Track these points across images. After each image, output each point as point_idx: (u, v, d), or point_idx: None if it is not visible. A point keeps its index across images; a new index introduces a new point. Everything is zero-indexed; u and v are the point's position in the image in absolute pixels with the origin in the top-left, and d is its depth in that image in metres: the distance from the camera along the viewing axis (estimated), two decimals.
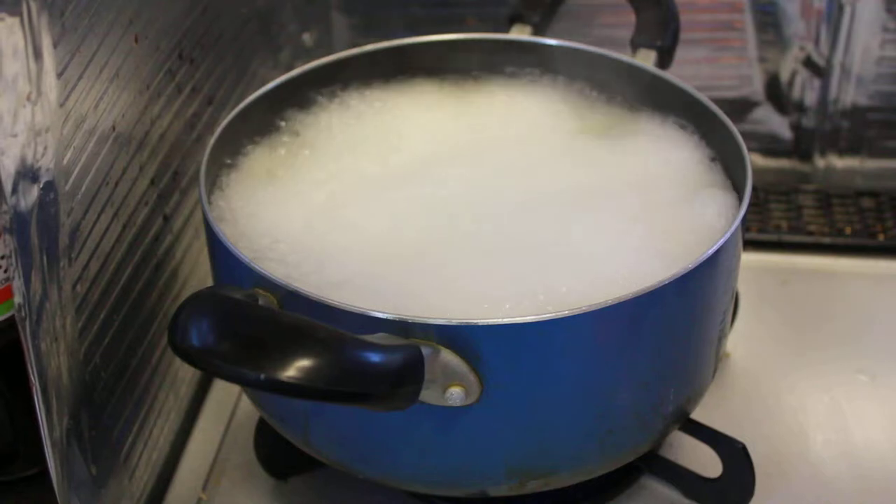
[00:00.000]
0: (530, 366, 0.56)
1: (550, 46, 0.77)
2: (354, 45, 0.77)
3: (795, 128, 0.95)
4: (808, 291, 0.86)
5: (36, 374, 0.54)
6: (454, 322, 0.54)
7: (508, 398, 0.57)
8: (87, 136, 0.58)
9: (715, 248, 0.58)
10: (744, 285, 0.72)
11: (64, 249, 0.56)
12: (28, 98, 0.51)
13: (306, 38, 0.97)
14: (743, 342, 0.79)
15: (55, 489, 0.57)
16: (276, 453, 0.71)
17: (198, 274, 0.76)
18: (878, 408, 0.76)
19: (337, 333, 0.51)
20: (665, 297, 0.57)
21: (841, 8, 0.89)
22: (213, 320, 0.49)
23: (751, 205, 0.62)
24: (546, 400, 0.58)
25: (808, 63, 0.91)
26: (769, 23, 0.91)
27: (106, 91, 0.60)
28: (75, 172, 0.57)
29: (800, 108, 0.94)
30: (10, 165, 0.50)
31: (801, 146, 0.95)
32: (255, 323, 0.50)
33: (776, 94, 0.94)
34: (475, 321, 0.54)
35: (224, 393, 0.78)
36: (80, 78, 0.57)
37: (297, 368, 0.48)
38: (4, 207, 0.50)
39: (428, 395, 0.54)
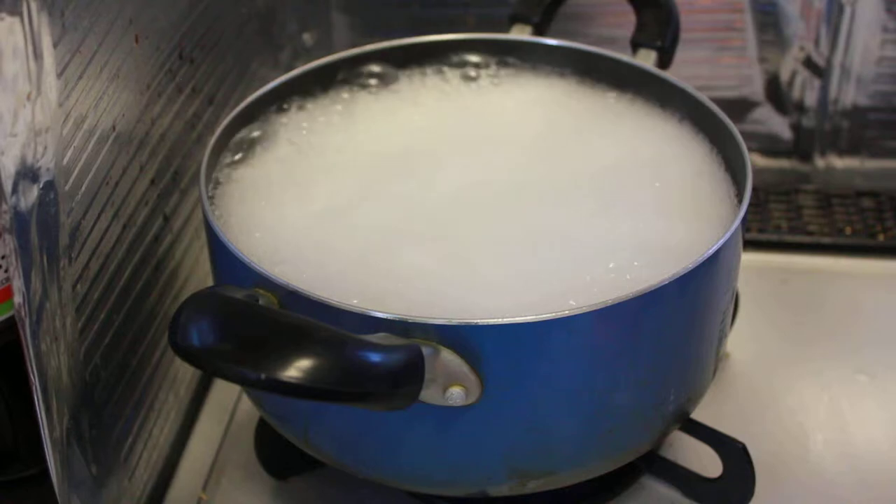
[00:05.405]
0: (530, 366, 0.56)
1: (550, 46, 0.77)
2: (354, 45, 0.77)
3: (795, 128, 0.95)
4: (809, 291, 0.86)
5: (36, 374, 0.54)
6: (454, 322, 0.54)
7: (508, 398, 0.57)
8: (87, 136, 0.58)
9: (715, 247, 0.58)
10: (744, 285, 0.72)
11: (64, 249, 0.56)
12: (28, 98, 0.51)
13: (306, 38, 0.97)
14: (743, 342, 0.79)
15: (55, 489, 0.57)
16: (276, 453, 0.71)
17: (198, 274, 0.76)
18: (878, 408, 0.76)
19: (337, 333, 0.50)
20: (665, 297, 0.57)
21: (841, 8, 0.89)
22: (214, 320, 0.49)
23: (751, 205, 0.62)
24: (546, 400, 0.58)
25: (808, 63, 0.92)
26: (769, 23, 0.91)
27: (106, 91, 0.60)
28: (75, 172, 0.57)
29: (800, 108, 0.94)
30: (10, 165, 0.50)
31: (801, 146, 0.95)
32: (256, 323, 0.50)
33: (776, 94, 0.94)
34: (476, 321, 0.54)
35: (224, 393, 0.78)
36: (80, 78, 0.57)
37: (297, 368, 0.48)
38: (4, 207, 0.50)
39: (428, 394, 0.54)
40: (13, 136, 0.50)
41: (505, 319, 0.54)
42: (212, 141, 0.67)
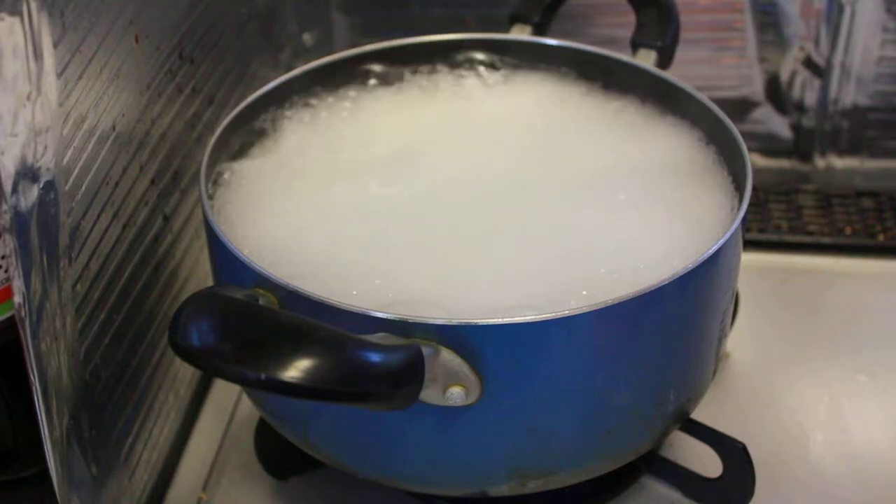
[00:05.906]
0: (530, 366, 0.56)
1: (550, 46, 0.77)
2: (354, 45, 0.77)
3: (795, 128, 0.95)
4: (809, 291, 0.86)
5: (36, 374, 0.54)
6: (455, 322, 0.54)
7: (508, 398, 0.57)
8: (87, 136, 0.58)
9: (715, 247, 0.58)
10: (744, 285, 0.72)
11: (64, 249, 0.56)
12: (28, 98, 0.51)
13: (306, 38, 0.97)
14: (743, 342, 0.79)
15: (55, 489, 0.57)
16: (276, 453, 0.71)
17: (198, 274, 0.76)
18: (878, 408, 0.76)
19: (337, 333, 0.50)
20: (665, 297, 0.57)
21: (841, 8, 0.89)
22: (214, 320, 0.49)
23: (751, 205, 0.62)
24: (546, 400, 0.58)
25: (808, 63, 0.92)
26: (769, 23, 0.91)
27: (106, 91, 0.60)
28: (75, 172, 0.57)
29: (800, 108, 0.94)
30: (10, 165, 0.50)
31: (801, 146, 0.95)
32: (256, 323, 0.50)
33: (776, 94, 0.94)
34: (476, 321, 0.54)
35: (224, 393, 0.78)
36: (80, 78, 0.57)
37: (297, 368, 0.48)
38: (4, 207, 0.50)
39: (428, 394, 0.54)
40: (13, 136, 0.50)
41: (505, 319, 0.54)
42: (212, 141, 0.67)
